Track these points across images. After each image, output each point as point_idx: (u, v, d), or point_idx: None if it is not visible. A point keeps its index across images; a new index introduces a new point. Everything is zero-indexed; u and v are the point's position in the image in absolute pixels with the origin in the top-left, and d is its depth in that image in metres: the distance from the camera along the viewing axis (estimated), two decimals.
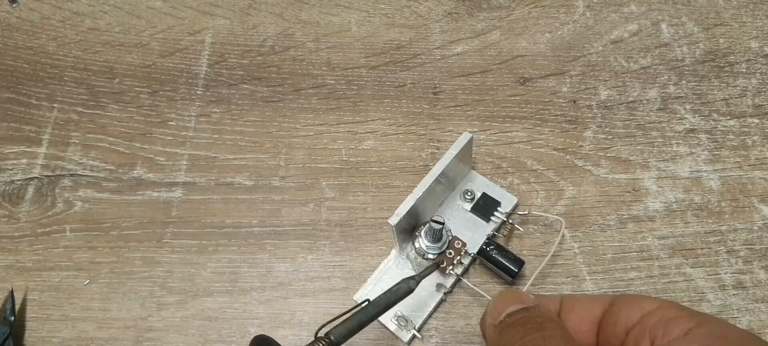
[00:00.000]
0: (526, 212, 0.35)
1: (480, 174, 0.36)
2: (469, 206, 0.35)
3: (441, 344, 0.32)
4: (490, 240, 0.34)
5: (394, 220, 0.30)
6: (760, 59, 0.41)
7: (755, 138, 0.38)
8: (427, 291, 0.33)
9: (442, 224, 0.31)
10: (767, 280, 0.33)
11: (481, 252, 0.33)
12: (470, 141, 0.33)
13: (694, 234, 0.35)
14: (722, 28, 0.42)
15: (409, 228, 0.33)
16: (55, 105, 0.41)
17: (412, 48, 0.42)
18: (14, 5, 0.44)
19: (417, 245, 0.33)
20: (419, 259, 0.33)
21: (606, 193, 0.37)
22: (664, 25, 0.43)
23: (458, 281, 0.33)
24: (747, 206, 0.36)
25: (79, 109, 0.40)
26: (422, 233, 0.33)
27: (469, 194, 0.35)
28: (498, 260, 0.33)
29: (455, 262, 0.33)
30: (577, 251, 0.35)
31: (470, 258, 0.33)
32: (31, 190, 0.38)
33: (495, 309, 0.27)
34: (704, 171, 0.37)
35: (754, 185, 0.37)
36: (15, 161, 0.39)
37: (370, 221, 0.36)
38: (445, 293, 0.33)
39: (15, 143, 0.39)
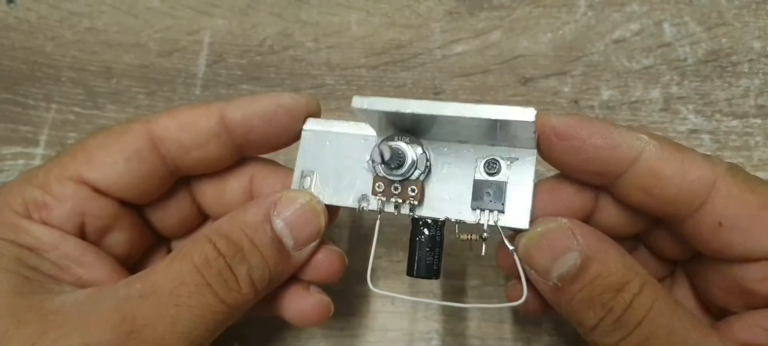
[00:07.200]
0: (513, 248, 0.25)
1: (535, 167, 0.25)
2: (480, 176, 0.26)
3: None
4: (440, 226, 0.26)
5: (358, 103, 0.24)
6: (763, 59, 0.41)
7: (758, 139, 0.38)
8: (355, 190, 0.27)
9: (398, 163, 0.25)
10: None
11: (414, 223, 0.26)
12: (532, 122, 0.23)
13: None
14: (725, 28, 0.42)
15: (401, 127, 0.26)
16: (53, 105, 0.40)
17: (413, 48, 0.42)
18: (11, 5, 0.44)
19: (380, 146, 0.25)
20: (372, 158, 0.26)
21: None
22: (666, 25, 0.42)
23: (377, 215, 0.26)
24: None
25: (77, 109, 0.40)
26: (393, 142, 0.26)
27: (492, 166, 0.26)
28: (413, 248, 0.26)
29: (389, 199, 0.26)
30: None
31: (407, 216, 0.26)
32: None
33: (540, 258, 0.22)
34: None
35: None
36: (12, 162, 0.38)
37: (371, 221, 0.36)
38: (360, 208, 0.27)
39: (12, 144, 0.39)
